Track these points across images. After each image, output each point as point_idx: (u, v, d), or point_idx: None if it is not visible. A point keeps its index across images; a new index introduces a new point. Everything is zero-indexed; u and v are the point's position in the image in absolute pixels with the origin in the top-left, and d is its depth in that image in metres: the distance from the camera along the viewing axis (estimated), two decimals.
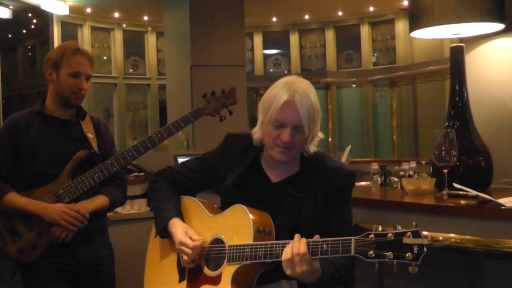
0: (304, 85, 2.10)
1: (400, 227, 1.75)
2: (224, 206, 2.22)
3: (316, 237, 1.91)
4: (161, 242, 2.35)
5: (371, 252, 1.76)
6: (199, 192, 2.44)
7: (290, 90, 2.07)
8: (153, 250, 2.42)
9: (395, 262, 1.73)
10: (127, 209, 4.41)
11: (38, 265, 2.67)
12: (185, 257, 2.17)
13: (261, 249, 2.00)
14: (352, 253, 1.80)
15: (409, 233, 1.72)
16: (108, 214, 2.99)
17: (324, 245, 1.86)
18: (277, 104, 2.06)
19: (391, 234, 1.75)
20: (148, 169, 4.72)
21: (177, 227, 2.23)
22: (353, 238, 1.81)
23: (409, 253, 1.70)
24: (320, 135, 2.19)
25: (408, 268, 1.71)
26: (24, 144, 2.70)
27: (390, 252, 1.73)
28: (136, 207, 4.46)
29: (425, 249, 1.70)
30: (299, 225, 2.09)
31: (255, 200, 2.16)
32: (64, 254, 2.70)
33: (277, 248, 1.96)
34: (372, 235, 1.78)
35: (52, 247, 2.65)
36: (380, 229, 1.78)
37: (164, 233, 2.27)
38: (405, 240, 1.72)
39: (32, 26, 11.59)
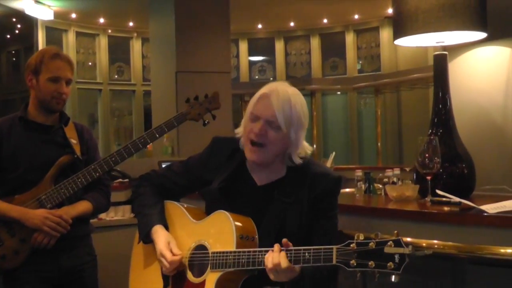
0: (288, 88, 2.14)
1: (381, 236, 1.76)
2: (209, 210, 2.22)
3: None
4: (146, 247, 2.33)
5: (353, 261, 1.77)
6: (184, 195, 2.43)
7: (272, 87, 2.12)
8: (137, 255, 2.41)
9: (376, 271, 1.73)
10: (111, 216, 4.39)
11: (20, 272, 2.64)
12: (163, 268, 2.18)
13: (244, 256, 2.00)
14: (334, 262, 1.81)
15: (391, 242, 1.73)
16: (92, 220, 2.98)
17: (306, 254, 1.87)
18: (255, 98, 2.12)
19: (372, 243, 1.75)
20: (132, 176, 4.70)
21: (159, 235, 2.23)
22: (334, 247, 1.82)
23: (391, 263, 1.71)
24: (308, 148, 2.20)
25: (391, 277, 1.71)
26: (6, 150, 2.68)
27: (372, 261, 1.74)
28: (120, 214, 4.45)
29: (406, 258, 1.70)
30: (285, 230, 2.09)
31: (240, 204, 2.16)
32: (46, 261, 2.68)
33: (260, 256, 1.97)
34: (354, 244, 1.78)
35: (35, 254, 2.63)
36: (362, 237, 1.78)
37: (147, 239, 2.27)
38: (387, 249, 1.72)
39: (17, 31, 11.52)
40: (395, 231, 1.75)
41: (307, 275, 1.98)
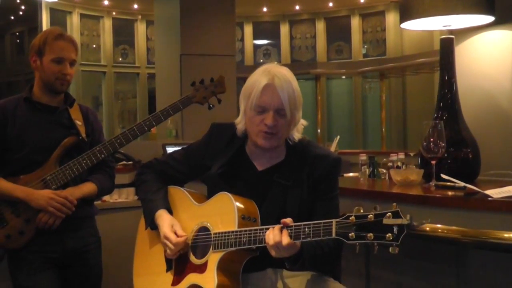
0: (283, 70, 2.13)
1: (379, 208, 1.76)
2: (210, 196, 2.23)
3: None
4: (150, 232, 2.35)
5: (352, 233, 1.78)
6: (186, 182, 2.45)
7: (269, 74, 2.10)
8: (142, 240, 2.43)
9: (375, 243, 1.74)
10: (115, 198, 4.39)
11: (25, 253, 2.66)
12: (168, 251, 2.19)
13: (245, 235, 2.02)
14: (333, 235, 1.82)
15: (389, 213, 1.74)
16: (96, 202, 2.99)
17: (306, 229, 1.88)
18: (258, 89, 2.09)
19: (371, 215, 1.77)
20: (136, 158, 4.71)
21: (163, 219, 2.24)
22: (334, 220, 1.83)
23: (389, 234, 1.72)
24: (303, 122, 2.21)
25: (389, 249, 1.72)
26: (11, 130, 2.68)
27: (371, 233, 1.75)
28: (124, 196, 4.45)
29: (405, 229, 1.71)
30: (285, 213, 2.10)
31: (241, 189, 2.17)
32: (51, 242, 2.69)
33: (261, 234, 1.98)
34: (353, 217, 1.80)
35: (39, 235, 2.64)
36: (361, 211, 1.80)
37: (154, 225, 2.28)
38: (385, 220, 1.74)
39: (21, 13, 11.48)
40: (394, 203, 1.75)
41: (307, 250, 1.99)
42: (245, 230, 2.02)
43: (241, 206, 2.10)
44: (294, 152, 2.20)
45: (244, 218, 2.07)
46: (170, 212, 2.29)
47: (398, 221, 1.72)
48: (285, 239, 1.90)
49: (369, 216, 1.76)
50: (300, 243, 1.94)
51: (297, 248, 1.94)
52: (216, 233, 2.11)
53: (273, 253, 1.94)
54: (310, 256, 2.02)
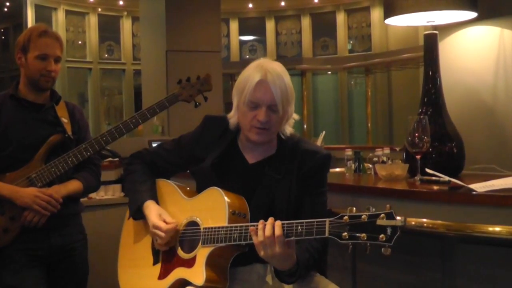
0: (276, 66, 2.14)
1: (373, 209, 1.77)
2: (200, 188, 2.23)
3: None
4: (136, 224, 2.34)
5: (345, 233, 1.78)
6: (176, 173, 2.44)
7: (262, 70, 2.10)
8: (127, 232, 2.42)
9: (368, 244, 1.75)
10: (101, 195, 4.38)
11: (10, 251, 2.64)
12: (159, 240, 2.18)
13: (235, 231, 2.01)
14: (327, 234, 1.82)
15: (383, 215, 1.75)
16: (82, 199, 2.98)
17: (299, 227, 1.87)
18: (251, 85, 2.10)
19: (365, 216, 1.77)
20: (122, 154, 4.69)
21: (151, 209, 2.23)
22: (327, 220, 1.83)
23: (383, 235, 1.73)
24: (295, 116, 2.22)
25: (381, 249, 1.73)
26: None
27: (364, 234, 1.75)
28: (110, 193, 4.44)
29: (398, 230, 1.72)
30: (274, 206, 2.12)
31: (232, 181, 2.18)
32: (37, 239, 2.68)
33: None
34: (346, 216, 1.80)
35: (25, 232, 2.63)
36: (354, 211, 1.80)
37: (138, 215, 2.27)
38: (379, 221, 1.74)
39: (5, 9, 11.40)
40: (388, 205, 1.76)
41: (302, 262, 1.99)
42: (236, 226, 2.02)
43: (232, 201, 2.10)
44: (285, 147, 2.21)
45: (234, 214, 2.07)
46: (158, 204, 2.29)
47: (392, 222, 1.72)
48: (278, 230, 1.87)
49: (362, 217, 1.77)
50: (296, 256, 1.94)
51: (294, 260, 1.94)
52: (205, 228, 2.10)
53: (261, 253, 1.92)
54: (305, 267, 2.03)
